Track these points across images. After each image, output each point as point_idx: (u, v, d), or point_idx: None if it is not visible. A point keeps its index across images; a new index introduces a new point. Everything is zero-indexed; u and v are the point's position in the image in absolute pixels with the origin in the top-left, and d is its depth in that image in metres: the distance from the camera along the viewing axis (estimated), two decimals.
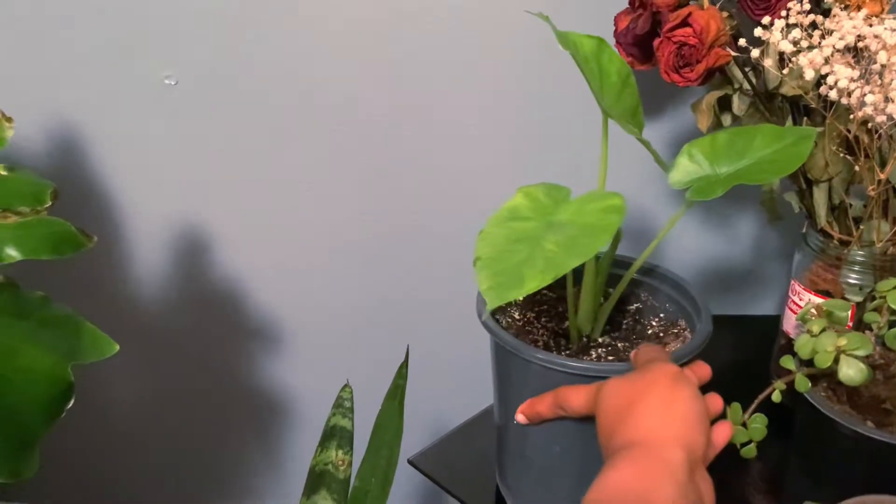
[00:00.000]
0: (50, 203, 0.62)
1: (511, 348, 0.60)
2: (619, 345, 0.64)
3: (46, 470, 0.57)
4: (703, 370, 0.57)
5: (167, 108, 0.83)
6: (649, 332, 0.66)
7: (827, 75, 0.58)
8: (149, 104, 0.82)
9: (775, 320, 0.86)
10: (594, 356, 0.63)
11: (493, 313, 0.65)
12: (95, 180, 0.85)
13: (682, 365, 0.57)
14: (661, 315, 0.69)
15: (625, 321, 0.68)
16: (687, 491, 0.45)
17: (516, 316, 0.68)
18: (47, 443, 0.53)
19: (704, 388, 0.64)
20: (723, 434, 0.54)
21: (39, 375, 0.55)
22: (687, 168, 0.58)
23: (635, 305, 0.70)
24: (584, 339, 0.64)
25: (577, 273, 0.58)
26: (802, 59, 0.57)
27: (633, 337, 0.65)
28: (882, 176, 0.67)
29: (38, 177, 0.64)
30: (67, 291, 0.73)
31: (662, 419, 0.49)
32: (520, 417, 0.60)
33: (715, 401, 0.56)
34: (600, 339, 0.64)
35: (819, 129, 0.66)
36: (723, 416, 0.57)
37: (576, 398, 0.55)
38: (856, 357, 0.56)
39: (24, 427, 0.53)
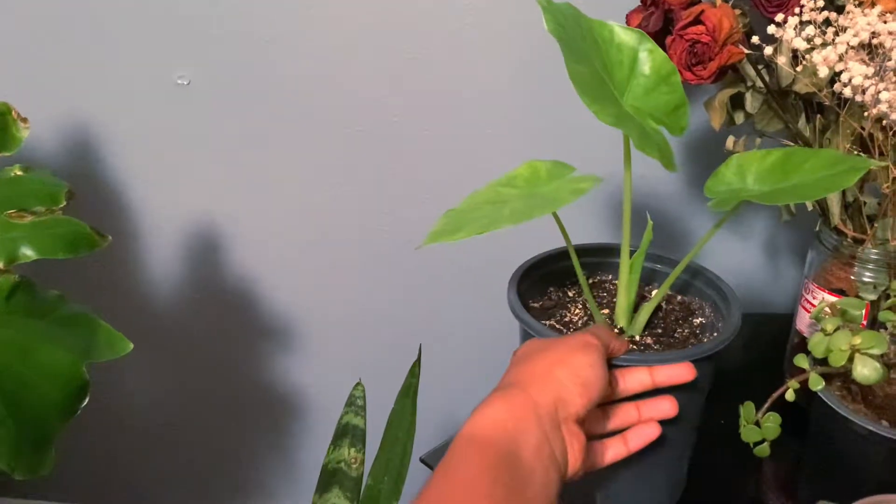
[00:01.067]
0: (65, 203, 0.63)
1: (537, 334, 0.60)
2: (648, 340, 0.64)
3: (62, 467, 0.58)
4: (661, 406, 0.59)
5: (180, 108, 0.83)
6: (686, 332, 0.66)
7: (841, 72, 0.58)
8: (162, 104, 0.83)
9: (788, 318, 0.85)
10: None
11: (526, 297, 0.66)
12: (110, 180, 0.85)
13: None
14: (700, 317, 0.68)
15: (659, 321, 0.68)
16: (551, 438, 0.48)
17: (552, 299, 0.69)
18: (63, 440, 0.53)
19: (722, 389, 0.64)
20: (615, 451, 0.57)
21: (55, 374, 0.55)
22: (727, 179, 0.58)
23: (671, 306, 0.70)
24: (616, 331, 0.64)
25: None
26: (816, 57, 0.57)
27: (665, 336, 0.65)
28: None
29: (54, 177, 0.65)
30: (82, 290, 0.73)
31: (549, 369, 0.51)
32: None
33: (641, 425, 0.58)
34: (637, 338, 0.64)
35: (842, 137, 0.65)
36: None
37: None
38: (870, 356, 0.56)
39: (40, 425, 0.53)
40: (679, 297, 0.70)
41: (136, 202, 0.87)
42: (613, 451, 0.58)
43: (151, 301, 0.92)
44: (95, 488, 1.02)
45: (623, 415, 0.59)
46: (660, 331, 0.65)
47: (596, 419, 0.57)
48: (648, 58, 0.59)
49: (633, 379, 0.58)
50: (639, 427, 0.58)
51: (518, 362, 0.54)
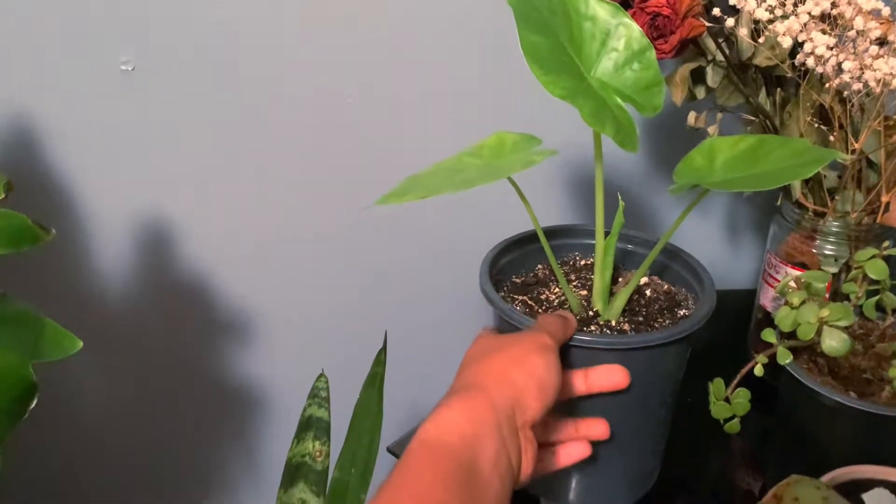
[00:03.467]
0: (3, 195, 0.59)
1: (514, 322, 0.59)
2: (625, 327, 0.63)
3: (16, 471, 0.55)
4: (613, 376, 0.57)
5: (125, 95, 0.80)
6: (667, 323, 0.65)
7: (803, 43, 0.57)
8: (105, 91, 0.79)
9: (750, 294, 0.85)
10: (593, 329, 0.61)
11: (498, 286, 0.65)
12: (52, 172, 0.82)
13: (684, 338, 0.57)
14: (683, 308, 0.67)
15: (641, 308, 0.67)
16: (509, 445, 0.47)
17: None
18: (15, 443, 0.51)
19: (687, 366, 0.63)
20: (572, 454, 0.57)
21: (1, 375, 0.53)
22: (696, 163, 0.57)
23: (656, 294, 0.69)
24: (591, 314, 0.63)
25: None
26: (780, 27, 0.56)
27: (645, 324, 0.64)
28: (856, 146, 0.67)
29: None
30: (26, 288, 0.70)
31: (503, 372, 0.50)
32: None
33: (598, 424, 0.58)
34: (613, 322, 0.63)
35: (797, 105, 0.65)
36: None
37: None
38: (838, 328, 0.56)
39: None
40: (665, 287, 0.69)
41: (81, 194, 0.83)
42: (565, 455, 0.57)
43: (101, 297, 0.88)
44: (52, 491, 0.98)
45: (562, 428, 0.58)
46: (641, 318, 0.64)
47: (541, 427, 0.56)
48: (623, 32, 0.57)
49: (573, 382, 0.57)
50: (573, 444, 0.57)
51: (472, 361, 0.53)
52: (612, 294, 0.65)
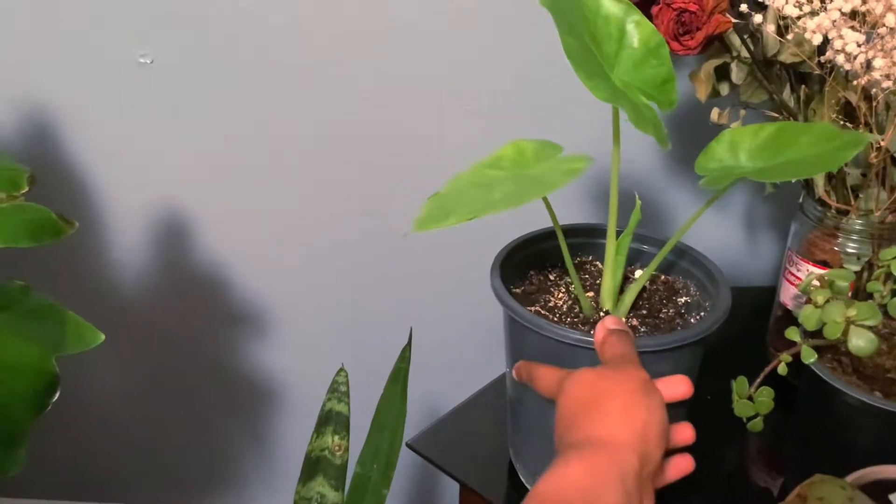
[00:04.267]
0: (27, 189, 0.60)
1: (527, 323, 0.58)
2: (634, 322, 0.63)
3: (35, 464, 0.55)
4: (677, 388, 0.54)
5: (143, 89, 0.80)
6: (671, 312, 0.65)
7: (832, 40, 0.57)
8: (125, 85, 0.79)
9: (768, 291, 0.85)
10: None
11: (507, 282, 0.64)
12: (73, 165, 0.82)
13: (690, 345, 0.56)
14: (684, 296, 0.67)
15: (643, 301, 0.66)
16: (633, 498, 0.44)
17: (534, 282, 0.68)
18: (36, 437, 0.51)
19: (705, 364, 0.63)
20: (679, 467, 0.53)
21: (24, 368, 0.53)
22: (719, 155, 0.56)
23: (654, 286, 0.68)
24: (602, 314, 0.63)
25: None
26: (810, 23, 0.56)
27: (650, 317, 0.64)
28: (882, 144, 0.66)
29: (14, 161, 0.62)
30: (48, 281, 0.70)
31: (623, 423, 0.48)
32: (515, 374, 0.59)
33: (684, 430, 0.54)
34: (623, 320, 0.62)
35: (821, 104, 0.65)
36: (688, 448, 0.54)
37: (544, 379, 0.54)
38: (865, 327, 0.55)
39: (9, 422, 0.51)
40: (662, 277, 0.69)
41: (101, 187, 0.83)
42: (674, 471, 0.54)
43: (121, 290, 0.89)
44: (71, 484, 0.99)
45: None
46: (644, 311, 0.64)
47: None
48: (636, 30, 0.57)
49: None
50: (676, 458, 0.55)
51: (581, 412, 0.49)
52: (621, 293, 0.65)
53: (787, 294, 0.79)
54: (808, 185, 0.75)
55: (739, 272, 1.03)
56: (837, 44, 0.56)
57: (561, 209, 0.64)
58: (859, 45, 0.56)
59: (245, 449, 1.03)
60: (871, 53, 0.56)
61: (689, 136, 0.91)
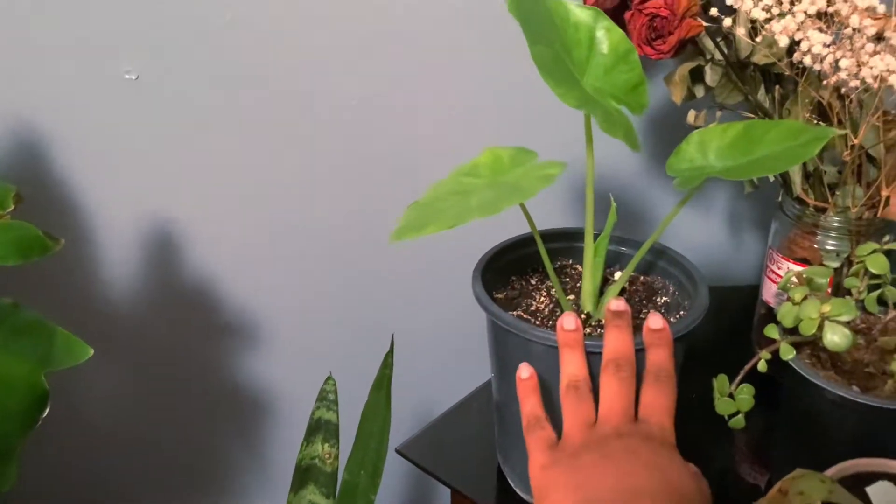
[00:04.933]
0: (13, 207, 0.60)
1: (509, 327, 0.59)
2: None
3: (26, 479, 0.56)
4: None
5: (129, 104, 0.80)
6: (636, 299, 0.66)
7: (800, 42, 0.58)
8: (110, 100, 0.80)
9: (753, 290, 0.86)
10: (588, 331, 0.62)
11: (489, 288, 0.65)
12: (59, 181, 0.82)
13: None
14: (663, 296, 0.68)
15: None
16: None
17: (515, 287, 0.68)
18: (25, 452, 0.51)
19: (691, 363, 0.64)
20: None
21: (13, 385, 0.53)
22: (689, 156, 0.57)
23: (634, 287, 0.69)
24: (583, 317, 0.64)
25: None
26: (776, 26, 0.57)
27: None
28: (855, 141, 0.68)
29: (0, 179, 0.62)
30: (36, 297, 0.71)
31: None
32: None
33: None
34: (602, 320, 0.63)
35: (795, 101, 0.66)
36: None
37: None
38: (839, 323, 0.56)
39: (0, 439, 0.51)
40: (642, 278, 0.70)
41: (87, 203, 0.84)
42: None
43: (110, 304, 0.89)
44: (61, 496, 0.99)
45: None
46: None
47: None
48: (606, 36, 0.58)
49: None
50: None
51: None
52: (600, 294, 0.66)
53: (769, 292, 0.80)
54: (785, 183, 0.76)
55: (725, 271, 1.04)
56: (804, 45, 0.57)
57: (542, 214, 0.65)
58: (826, 46, 0.57)
59: (238, 458, 1.03)
60: (838, 54, 0.57)
61: (666, 138, 0.92)
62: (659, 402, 0.54)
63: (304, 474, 0.72)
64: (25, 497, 0.92)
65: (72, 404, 0.92)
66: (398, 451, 0.74)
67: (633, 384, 0.55)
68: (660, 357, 0.56)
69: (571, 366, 0.56)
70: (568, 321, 0.57)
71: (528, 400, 0.57)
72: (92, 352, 0.57)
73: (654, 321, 0.57)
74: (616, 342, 0.56)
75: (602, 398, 0.55)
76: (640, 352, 0.57)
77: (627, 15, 0.67)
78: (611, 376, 0.54)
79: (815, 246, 0.74)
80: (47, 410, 0.54)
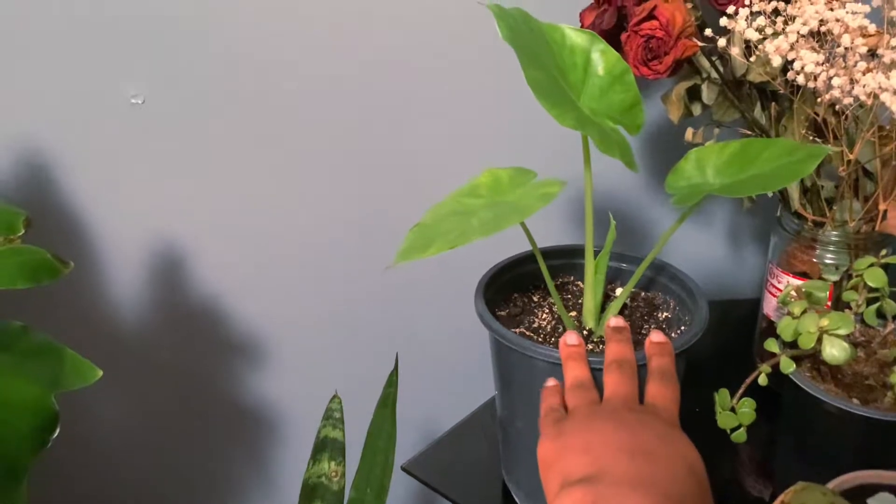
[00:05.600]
0: (23, 231, 0.61)
1: (512, 344, 0.60)
2: None
3: (36, 499, 0.56)
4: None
5: (136, 128, 0.82)
6: (652, 328, 0.66)
7: (793, 61, 0.59)
8: (117, 125, 0.81)
9: (754, 304, 0.87)
10: (590, 347, 0.63)
11: (492, 306, 0.65)
12: (67, 205, 0.84)
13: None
14: (664, 312, 0.69)
15: (625, 318, 0.68)
16: None
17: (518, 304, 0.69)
18: (35, 472, 0.52)
19: (693, 377, 0.65)
20: None
21: (23, 407, 0.54)
22: (688, 174, 0.58)
23: (635, 303, 0.70)
24: (585, 333, 0.65)
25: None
26: (769, 46, 0.58)
27: (631, 333, 0.65)
28: (851, 157, 0.68)
29: (10, 204, 0.63)
30: (45, 319, 0.72)
31: None
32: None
33: None
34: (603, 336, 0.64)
35: (793, 119, 0.67)
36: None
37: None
38: (838, 336, 0.57)
39: (9, 460, 0.52)
40: (643, 294, 0.71)
41: (94, 225, 0.85)
42: None
43: (117, 325, 0.90)
44: None
45: None
46: None
47: None
48: (601, 58, 0.59)
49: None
50: None
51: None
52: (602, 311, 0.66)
53: (770, 306, 0.81)
54: (784, 198, 0.77)
55: (727, 286, 1.05)
56: (797, 64, 0.58)
57: (542, 231, 0.66)
58: (819, 65, 0.58)
59: (244, 476, 1.04)
60: (831, 72, 0.58)
61: (664, 155, 0.93)
62: (664, 393, 0.55)
63: (310, 492, 0.73)
64: None
65: (80, 427, 0.93)
66: (404, 469, 0.75)
67: (636, 380, 0.55)
68: (663, 362, 0.57)
69: (576, 371, 0.57)
70: (571, 337, 0.58)
71: (548, 398, 0.57)
72: (101, 373, 0.58)
73: (656, 335, 0.58)
74: (617, 349, 0.57)
75: (606, 388, 0.55)
76: (642, 367, 0.58)
77: (623, 36, 0.68)
78: (613, 372, 0.55)
79: (814, 260, 0.75)
80: (57, 431, 0.54)
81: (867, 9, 0.59)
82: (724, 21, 0.62)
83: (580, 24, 0.74)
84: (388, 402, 0.71)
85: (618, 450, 0.48)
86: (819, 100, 0.64)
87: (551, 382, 0.59)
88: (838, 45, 0.58)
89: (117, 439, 0.97)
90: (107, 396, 0.94)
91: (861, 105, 0.61)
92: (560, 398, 0.57)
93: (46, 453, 0.53)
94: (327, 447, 0.74)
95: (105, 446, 0.96)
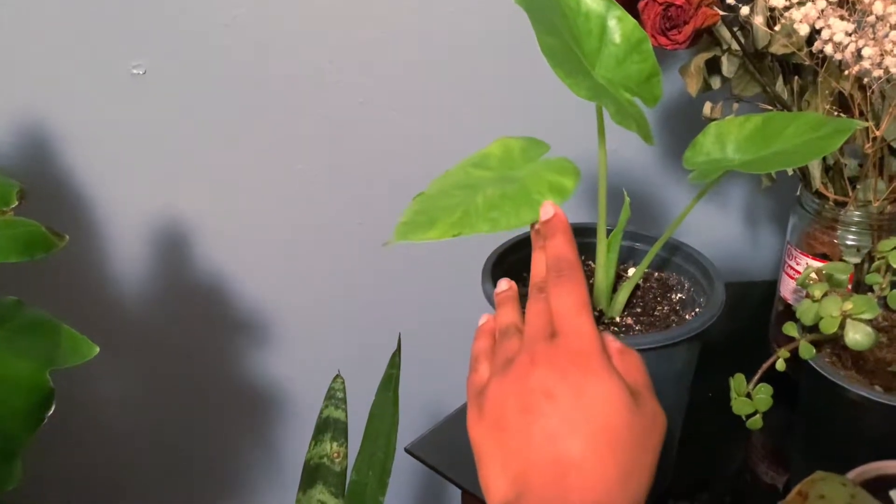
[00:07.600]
0: (17, 203, 0.59)
1: None
2: (629, 321, 0.62)
3: (33, 477, 0.55)
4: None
5: (137, 99, 0.80)
6: (665, 309, 0.64)
7: (821, 30, 0.56)
8: (117, 96, 0.79)
9: (769, 286, 0.84)
10: (601, 328, 0.60)
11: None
12: (65, 177, 0.82)
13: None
14: (678, 293, 0.66)
15: (637, 299, 0.66)
16: None
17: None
18: (36, 451, 0.51)
19: (707, 360, 0.63)
20: None
21: (18, 384, 0.53)
22: (706, 149, 0.55)
23: (648, 283, 0.68)
24: (596, 314, 0.62)
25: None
26: (796, 14, 0.55)
27: (644, 315, 0.63)
28: (877, 133, 0.66)
29: (4, 176, 0.62)
30: (41, 295, 0.70)
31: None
32: None
33: None
34: (618, 319, 0.62)
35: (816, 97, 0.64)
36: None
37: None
38: (862, 321, 0.54)
39: (4, 437, 0.51)
40: (656, 274, 0.69)
41: (93, 199, 0.83)
42: None
43: (116, 302, 0.89)
44: (71, 494, 0.99)
45: None
46: (639, 310, 0.63)
47: None
48: (618, 26, 0.56)
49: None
50: None
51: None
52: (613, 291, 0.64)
53: (787, 288, 0.78)
54: (804, 177, 0.74)
55: (742, 267, 1.02)
56: (825, 34, 0.55)
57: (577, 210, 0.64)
58: (848, 35, 0.55)
59: (246, 456, 1.03)
60: (860, 42, 0.56)
61: (681, 131, 0.91)
62: (569, 301, 0.46)
63: (312, 473, 0.71)
64: (33, 496, 0.92)
65: (78, 403, 0.92)
66: (408, 451, 0.73)
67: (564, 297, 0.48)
68: (556, 247, 0.49)
69: (505, 317, 0.51)
70: (501, 283, 0.53)
71: (476, 341, 0.53)
72: (98, 350, 0.56)
73: (544, 211, 0.50)
74: (539, 264, 0.51)
75: (525, 327, 0.48)
76: (646, 351, 0.55)
77: (641, 4, 0.65)
78: (530, 301, 0.49)
79: (835, 241, 0.72)
80: (52, 409, 0.53)
81: None
82: None
83: None
84: (390, 383, 0.69)
85: (536, 464, 0.43)
86: (845, 73, 0.61)
87: (483, 320, 0.53)
88: (869, 14, 0.55)
89: (116, 418, 0.96)
90: (106, 373, 0.93)
91: (889, 79, 0.58)
92: (490, 341, 0.52)
93: (44, 430, 0.52)
94: (329, 428, 0.72)
95: (103, 425, 0.96)
